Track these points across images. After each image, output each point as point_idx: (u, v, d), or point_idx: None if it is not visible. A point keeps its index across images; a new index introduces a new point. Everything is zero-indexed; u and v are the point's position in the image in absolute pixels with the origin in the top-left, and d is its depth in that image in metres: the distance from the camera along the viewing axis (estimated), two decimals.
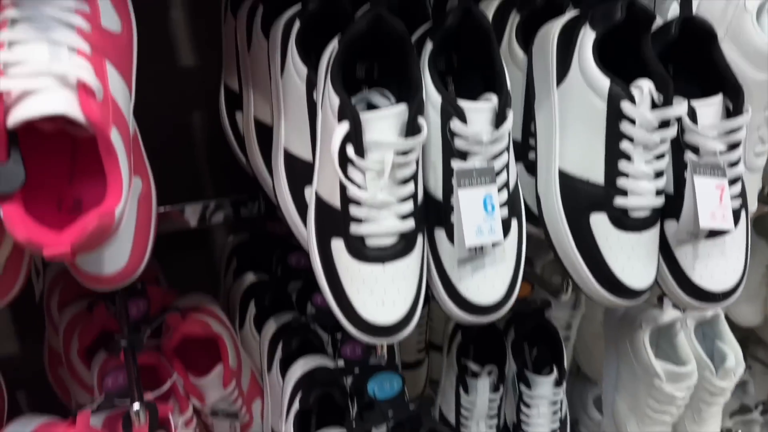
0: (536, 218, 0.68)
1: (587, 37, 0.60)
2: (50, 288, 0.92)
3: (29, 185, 0.49)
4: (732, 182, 0.61)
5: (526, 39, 0.69)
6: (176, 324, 0.85)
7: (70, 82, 0.45)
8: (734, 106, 0.61)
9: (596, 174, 0.61)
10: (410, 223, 0.55)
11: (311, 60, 0.63)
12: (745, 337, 1.31)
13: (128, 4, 0.54)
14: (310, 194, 0.61)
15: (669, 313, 0.92)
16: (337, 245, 0.55)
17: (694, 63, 0.65)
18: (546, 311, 0.92)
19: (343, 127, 0.52)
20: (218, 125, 0.88)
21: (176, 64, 1.02)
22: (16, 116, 0.44)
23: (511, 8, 0.70)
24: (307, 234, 0.60)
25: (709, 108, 0.61)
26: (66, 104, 0.45)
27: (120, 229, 0.54)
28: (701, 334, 0.99)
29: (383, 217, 0.54)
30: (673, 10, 0.74)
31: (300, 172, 0.63)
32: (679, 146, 0.61)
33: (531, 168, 0.70)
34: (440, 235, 0.58)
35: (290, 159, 0.65)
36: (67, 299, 0.90)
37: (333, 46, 0.57)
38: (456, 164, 0.56)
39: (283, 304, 0.94)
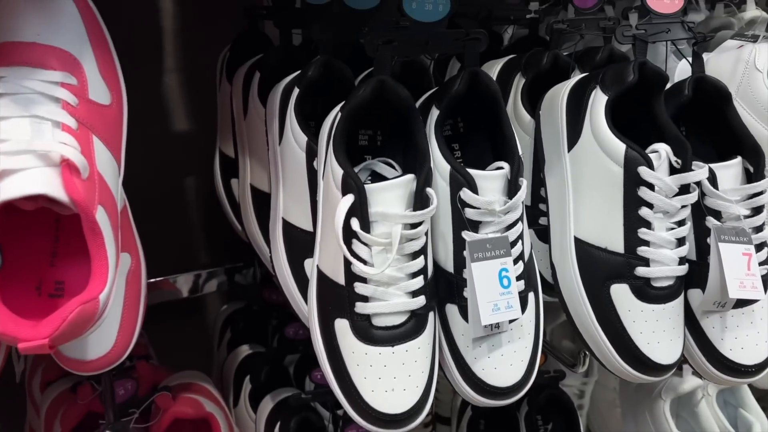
0: (550, 286, 0.65)
1: (599, 99, 0.58)
2: (32, 367, 0.86)
3: (6, 268, 0.45)
4: (758, 248, 0.58)
5: (532, 102, 0.67)
6: (166, 405, 0.79)
7: (53, 160, 0.42)
8: (755, 168, 0.58)
9: (615, 242, 0.57)
10: (420, 300, 0.51)
11: (310, 127, 0.60)
12: (760, 398, 1.26)
13: (118, 75, 0.52)
14: (311, 268, 0.57)
15: (690, 381, 0.87)
16: (341, 325, 0.51)
17: (706, 123, 0.63)
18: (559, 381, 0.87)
19: (348, 200, 0.49)
20: (212, 191, 0.85)
21: (170, 130, 1.00)
22: None
23: (515, 71, 0.69)
24: (308, 311, 0.55)
25: (729, 170, 0.58)
26: (47, 184, 0.41)
27: (108, 311, 0.50)
28: (722, 402, 0.94)
29: (391, 294, 0.50)
30: (680, 70, 0.73)
31: (299, 243, 0.60)
32: (699, 212, 0.58)
33: (542, 234, 0.66)
34: (452, 311, 0.54)
35: (289, 229, 0.61)
36: (50, 379, 0.85)
37: (335, 114, 0.55)
38: (468, 236, 0.52)
39: (280, 378, 0.89)
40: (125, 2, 0.89)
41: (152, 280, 0.96)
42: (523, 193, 0.53)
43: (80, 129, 0.45)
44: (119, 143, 0.51)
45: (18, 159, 0.42)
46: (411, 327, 0.51)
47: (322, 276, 0.53)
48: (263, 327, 0.97)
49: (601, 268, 0.58)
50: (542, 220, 0.66)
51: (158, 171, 0.97)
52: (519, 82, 0.67)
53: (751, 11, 0.90)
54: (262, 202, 0.69)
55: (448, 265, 0.54)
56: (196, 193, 1.04)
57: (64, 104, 0.45)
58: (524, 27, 0.84)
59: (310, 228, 0.59)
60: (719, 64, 0.71)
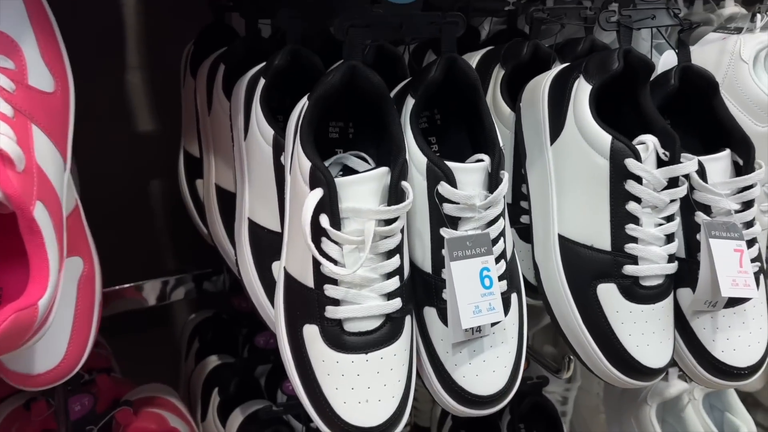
0: (533, 288, 0.61)
1: (582, 89, 0.55)
2: None
3: None
4: (749, 244, 0.55)
5: (512, 94, 0.64)
6: (127, 421, 0.75)
7: None
8: (744, 161, 0.56)
9: (601, 239, 0.54)
10: (396, 303, 0.47)
11: (278, 121, 0.56)
12: (742, 399, 1.25)
13: (64, 61, 0.47)
14: (278, 270, 0.53)
15: (676, 386, 0.85)
16: (310, 332, 0.47)
17: (693, 114, 0.61)
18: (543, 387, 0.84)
19: (316, 195, 0.45)
20: (178, 193, 0.81)
21: (134, 129, 0.96)
22: None
23: (494, 62, 0.66)
24: (275, 317, 0.51)
25: (718, 163, 0.56)
26: None
27: (51, 320, 0.45)
28: (708, 406, 0.92)
29: (364, 297, 0.46)
30: (663, 63, 0.71)
31: (266, 245, 0.56)
32: (687, 207, 0.56)
33: (524, 233, 0.63)
34: (431, 314, 0.50)
35: (255, 229, 0.57)
36: (2, 395, 0.80)
37: (302, 104, 0.51)
38: (446, 233, 0.49)
39: (250, 390, 0.84)
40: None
41: (116, 287, 0.91)
42: (505, 187, 0.50)
43: (17, 117, 0.41)
44: (65, 135, 0.46)
45: None
46: (386, 332, 0.47)
47: (289, 279, 0.49)
48: (233, 336, 0.93)
49: (587, 267, 0.55)
50: (524, 218, 0.63)
51: (122, 172, 0.94)
52: (498, 74, 0.64)
53: (730, 7, 0.89)
54: (228, 202, 0.65)
55: (426, 265, 0.50)
56: (162, 196, 1.00)
57: None
58: (502, 21, 0.81)
59: (277, 228, 0.55)
60: (703, 56, 0.69)
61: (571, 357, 0.60)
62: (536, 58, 0.64)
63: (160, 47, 0.93)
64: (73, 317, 0.55)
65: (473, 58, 0.68)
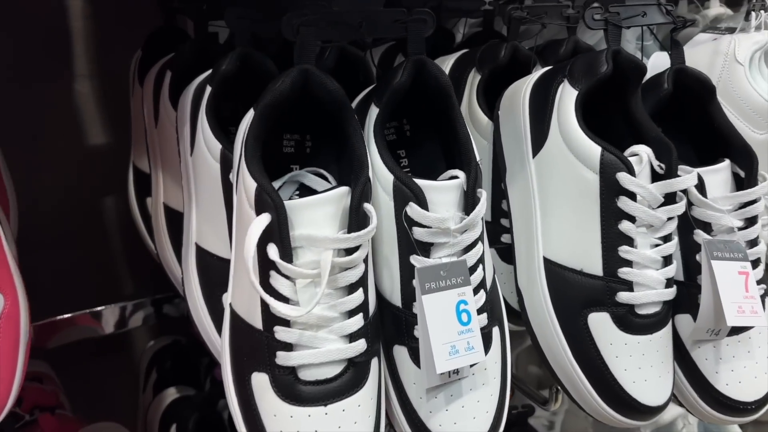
0: (515, 313, 0.56)
1: (567, 95, 0.49)
2: None
3: None
4: (753, 265, 0.50)
5: (490, 101, 0.58)
6: None
7: None
8: (746, 172, 0.50)
9: (592, 263, 0.48)
10: (360, 345, 0.41)
11: (230, 134, 0.50)
12: None
13: None
14: (226, 306, 0.46)
15: (670, 411, 0.79)
16: (260, 381, 0.41)
17: (687, 121, 0.56)
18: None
19: (262, 221, 0.38)
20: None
21: (84, 144, 0.89)
22: None
23: (469, 66, 0.60)
24: (221, 362, 0.45)
25: (717, 176, 0.51)
26: None
27: None
28: (703, 429, 0.87)
29: (322, 339, 0.40)
30: (652, 66, 0.66)
31: (216, 274, 0.50)
32: (685, 224, 0.50)
33: (505, 254, 0.57)
34: (402, 355, 0.44)
35: (203, 256, 0.51)
36: None
37: (249, 115, 0.44)
38: (417, 261, 0.43)
39: (212, 427, 0.77)
40: (29, 2, 0.79)
41: (69, 315, 0.85)
42: (483, 208, 0.44)
43: None
44: None
45: None
46: (348, 379, 0.40)
47: (235, 318, 0.43)
48: (194, 366, 0.86)
49: (576, 295, 0.49)
50: (505, 238, 0.57)
51: (71, 190, 0.87)
52: (474, 79, 0.59)
53: (716, 8, 0.85)
54: (177, 223, 0.58)
55: (395, 298, 0.44)
56: (116, 214, 0.93)
57: None
58: (478, 23, 0.76)
59: (228, 255, 0.48)
60: (693, 58, 0.64)
61: (559, 388, 0.54)
62: (515, 61, 0.58)
63: (111, 53, 0.86)
64: None
65: (446, 62, 0.62)
